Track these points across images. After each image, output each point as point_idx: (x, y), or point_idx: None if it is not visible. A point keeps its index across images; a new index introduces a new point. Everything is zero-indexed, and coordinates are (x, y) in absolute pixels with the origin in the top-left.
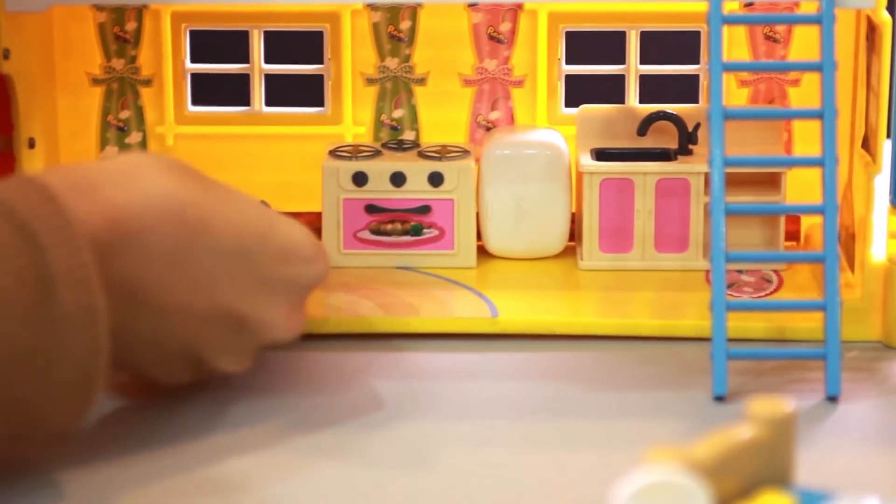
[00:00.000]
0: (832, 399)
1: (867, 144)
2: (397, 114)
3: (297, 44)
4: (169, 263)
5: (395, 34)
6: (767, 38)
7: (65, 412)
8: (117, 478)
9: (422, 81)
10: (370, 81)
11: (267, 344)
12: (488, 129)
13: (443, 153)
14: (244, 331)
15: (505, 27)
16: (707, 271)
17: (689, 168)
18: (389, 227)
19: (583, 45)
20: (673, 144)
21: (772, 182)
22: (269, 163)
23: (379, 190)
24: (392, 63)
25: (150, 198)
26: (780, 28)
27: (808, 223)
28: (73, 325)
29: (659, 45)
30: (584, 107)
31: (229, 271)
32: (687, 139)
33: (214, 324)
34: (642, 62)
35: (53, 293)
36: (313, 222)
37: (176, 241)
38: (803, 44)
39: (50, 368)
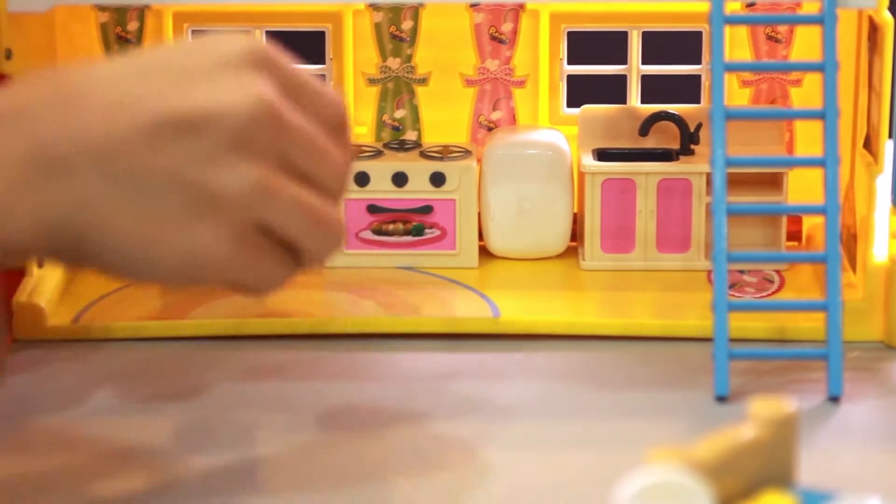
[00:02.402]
0: (834, 399)
1: (869, 144)
2: (399, 114)
3: (299, 44)
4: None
5: (396, 34)
6: (769, 38)
7: None
8: (100, 471)
9: (423, 81)
10: (372, 81)
11: (235, 131)
12: (490, 129)
13: (444, 153)
14: (197, 131)
15: (507, 27)
16: (709, 271)
17: (690, 168)
18: (391, 227)
19: (584, 45)
20: (675, 144)
21: (773, 182)
22: None
23: (380, 190)
24: (394, 63)
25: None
26: (782, 28)
27: (810, 223)
28: None
29: (661, 45)
30: (585, 107)
31: (136, 85)
32: (689, 139)
33: (159, 139)
34: (644, 62)
35: None
36: None
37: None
38: (805, 44)
39: None
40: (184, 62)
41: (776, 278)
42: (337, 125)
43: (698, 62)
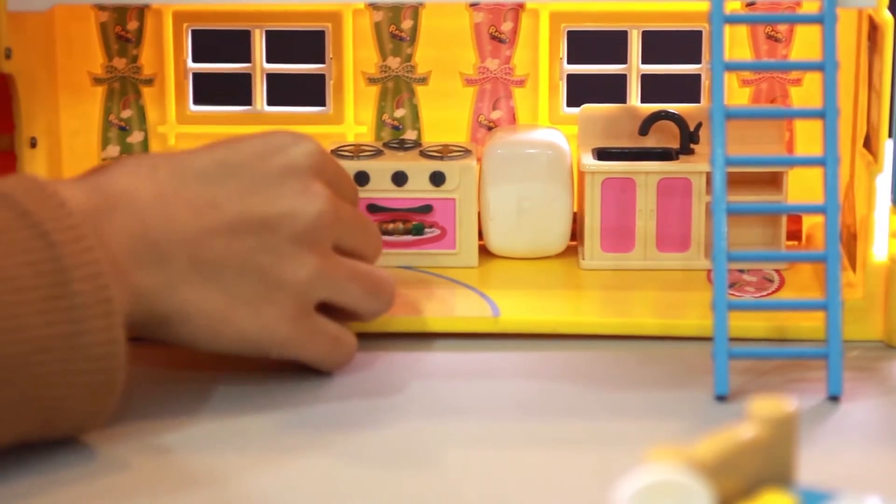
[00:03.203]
0: (833, 399)
1: (869, 144)
2: (399, 113)
3: (299, 43)
4: (161, 205)
5: (396, 33)
6: (769, 37)
7: (88, 404)
8: (95, 465)
9: (423, 81)
10: (372, 81)
11: (303, 229)
12: (490, 128)
13: (444, 153)
14: (271, 228)
15: (506, 27)
16: (709, 271)
17: (690, 167)
18: (391, 226)
19: (584, 44)
20: (674, 144)
21: (773, 181)
22: None
23: (380, 189)
24: (394, 62)
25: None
26: (782, 27)
27: (810, 223)
28: (89, 315)
29: (660, 44)
30: (585, 106)
31: (221, 185)
32: (689, 138)
33: (241, 234)
34: (644, 62)
35: (69, 285)
36: None
37: (159, 187)
38: (805, 43)
39: (70, 359)
40: (258, 166)
41: (776, 278)
42: (355, 201)
43: (698, 62)
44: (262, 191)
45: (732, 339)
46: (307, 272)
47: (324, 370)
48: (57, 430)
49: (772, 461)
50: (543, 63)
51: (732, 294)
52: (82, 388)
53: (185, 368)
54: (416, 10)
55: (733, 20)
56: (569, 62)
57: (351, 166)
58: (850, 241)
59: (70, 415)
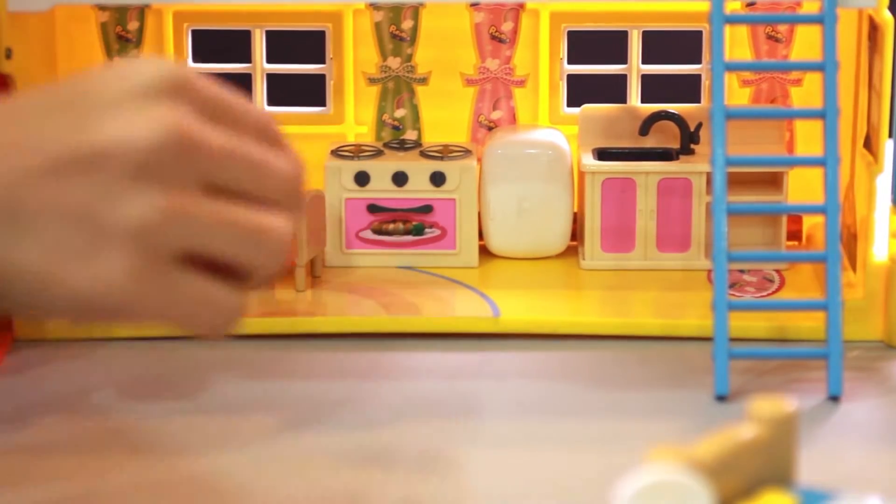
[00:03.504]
0: (834, 399)
1: (869, 144)
2: (399, 113)
3: (299, 43)
4: None
5: (397, 34)
6: (769, 37)
7: None
8: (102, 470)
9: (424, 81)
10: (372, 81)
11: (140, 161)
12: (490, 128)
13: (445, 153)
14: (100, 164)
15: (507, 27)
16: (709, 271)
17: (691, 168)
18: (391, 226)
19: (585, 44)
20: (675, 144)
21: (774, 182)
22: None
23: (381, 189)
24: (394, 62)
25: None
26: (782, 27)
27: (810, 223)
28: None
29: (661, 44)
30: (585, 106)
31: (42, 124)
32: (689, 139)
33: (64, 175)
34: (644, 62)
35: None
36: None
37: None
38: (805, 43)
39: None
40: (92, 93)
41: (776, 278)
42: (272, 139)
43: (698, 62)
44: (91, 122)
45: (732, 339)
46: (148, 214)
47: (197, 336)
48: None
49: (772, 461)
50: (543, 63)
51: (732, 294)
52: None
53: (184, 370)
54: (416, 10)
55: (733, 20)
56: (569, 62)
57: (351, 166)
58: (850, 241)
59: None
